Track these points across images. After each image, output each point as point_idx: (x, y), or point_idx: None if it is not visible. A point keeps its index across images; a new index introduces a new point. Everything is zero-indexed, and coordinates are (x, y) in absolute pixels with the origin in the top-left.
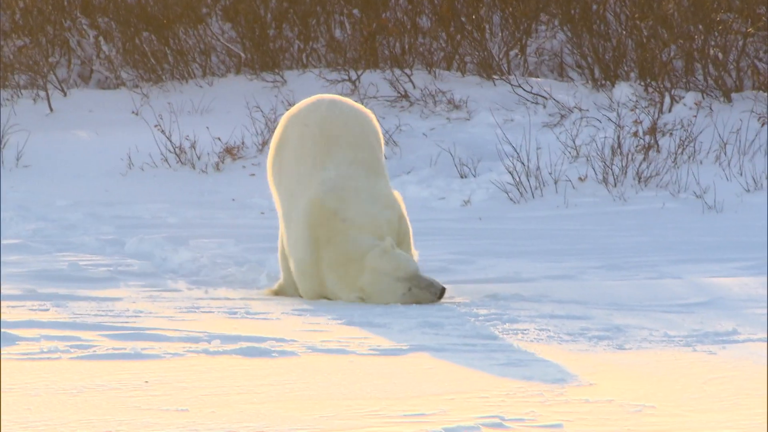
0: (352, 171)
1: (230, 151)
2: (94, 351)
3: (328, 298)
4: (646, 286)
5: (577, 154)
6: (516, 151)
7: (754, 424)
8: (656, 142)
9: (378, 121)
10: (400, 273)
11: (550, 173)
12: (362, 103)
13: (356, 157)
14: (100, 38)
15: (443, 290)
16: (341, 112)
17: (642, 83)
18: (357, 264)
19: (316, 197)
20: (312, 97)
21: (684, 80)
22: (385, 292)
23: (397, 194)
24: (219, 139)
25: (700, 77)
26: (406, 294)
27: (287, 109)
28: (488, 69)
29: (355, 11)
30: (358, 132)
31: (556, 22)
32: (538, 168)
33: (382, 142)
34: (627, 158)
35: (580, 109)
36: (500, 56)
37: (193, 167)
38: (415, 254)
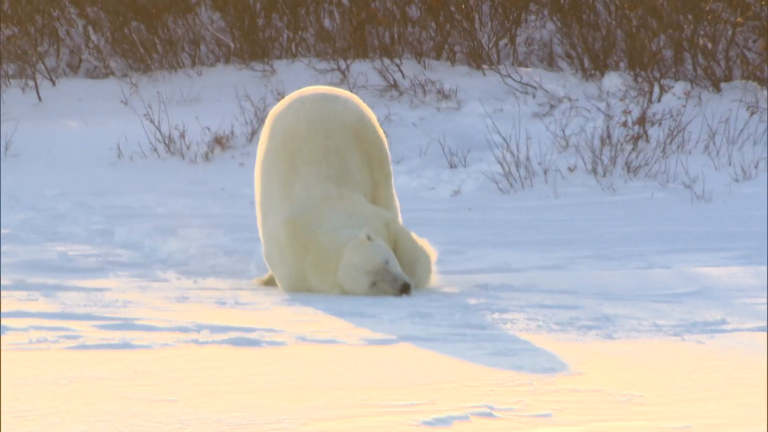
0: (321, 189)
1: (219, 141)
2: (83, 341)
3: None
4: (635, 275)
5: (567, 144)
6: (505, 141)
7: (743, 413)
8: (645, 132)
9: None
10: (367, 265)
11: (540, 163)
12: (352, 92)
13: (322, 173)
14: (89, 28)
15: (406, 285)
16: (308, 121)
17: (631, 73)
18: (335, 261)
19: (289, 218)
20: (294, 93)
21: (673, 70)
22: (354, 284)
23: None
24: (208, 128)
25: (690, 67)
26: (371, 287)
27: (277, 100)
28: (478, 59)
29: (345, 1)
30: (321, 142)
31: (546, 12)
32: (527, 158)
33: (367, 134)
34: (616, 148)
35: (570, 99)
36: (490, 46)
37: (183, 157)
38: (426, 243)
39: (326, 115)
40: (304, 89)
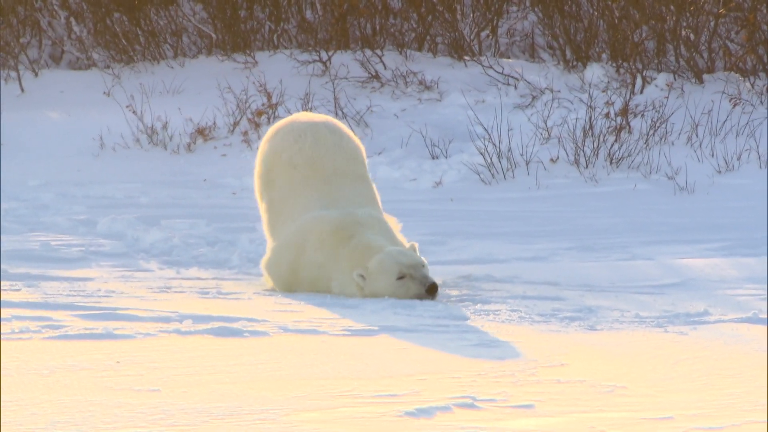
0: (354, 209)
1: (202, 132)
2: (66, 331)
3: None
4: (617, 267)
5: (549, 135)
6: (487, 132)
7: (726, 403)
8: (628, 123)
9: (351, 103)
10: (403, 258)
11: (522, 154)
12: (333, 84)
13: (355, 191)
14: (71, 19)
15: (434, 285)
16: (326, 149)
17: (613, 64)
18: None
19: (337, 215)
20: (288, 120)
21: (656, 61)
22: (381, 273)
23: (389, 218)
24: (190, 119)
25: (672, 58)
26: (398, 280)
27: (258, 91)
28: (459, 50)
29: None
30: (344, 165)
31: (528, 3)
32: (509, 149)
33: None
34: (599, 139)
35: (552, 91)
36: (471, 37)
37: (165, 148)
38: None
39: (342, 140)
40: (301, 116)
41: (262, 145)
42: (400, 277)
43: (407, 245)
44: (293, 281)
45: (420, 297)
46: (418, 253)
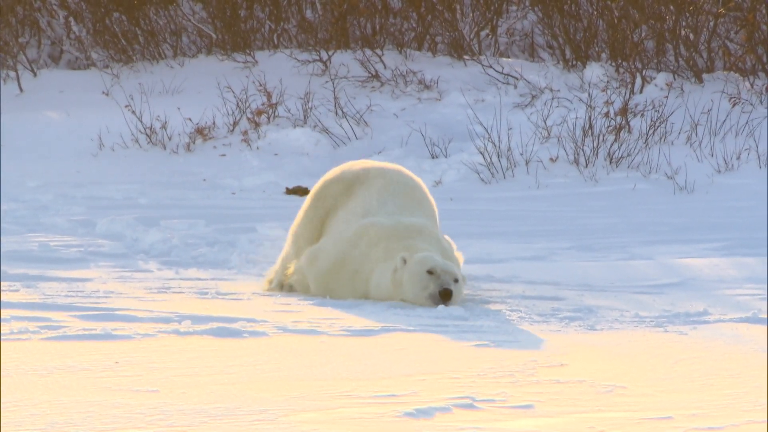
0: (411, 219)
1: (201, 132)
2: (65, 332)
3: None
4: (617, 267)
5: (549, 134)
6: (487, 131)
7: (725, 403)
8: (627, 122)
9: (350, 102)
10: (441, 261)
11: (522, 154)
12: (333, 84)
13: (412, 210)
14: (71, 18)
15: (448, 291)
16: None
17: (613, 64)
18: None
19: (388, 229)
20: (361, 165)
21: (655, 61)
22: (420, 262)
23: (447, 238)
24: (190, 119)
25: (672, 58)
26: (427, 274)
27: (258, 90)
28: (459, 49)
29: None
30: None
31: (527, 3)
32: (509, 148)
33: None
34: (598, 139)
35: (551, 90)
36: (471, 36)
37: (164, 148)
38: None
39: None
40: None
41: (330, 185)
42: (430, 272)
43: (461, 262)
44: (334, 276)
45: (434, 299)
46: (460, 272)
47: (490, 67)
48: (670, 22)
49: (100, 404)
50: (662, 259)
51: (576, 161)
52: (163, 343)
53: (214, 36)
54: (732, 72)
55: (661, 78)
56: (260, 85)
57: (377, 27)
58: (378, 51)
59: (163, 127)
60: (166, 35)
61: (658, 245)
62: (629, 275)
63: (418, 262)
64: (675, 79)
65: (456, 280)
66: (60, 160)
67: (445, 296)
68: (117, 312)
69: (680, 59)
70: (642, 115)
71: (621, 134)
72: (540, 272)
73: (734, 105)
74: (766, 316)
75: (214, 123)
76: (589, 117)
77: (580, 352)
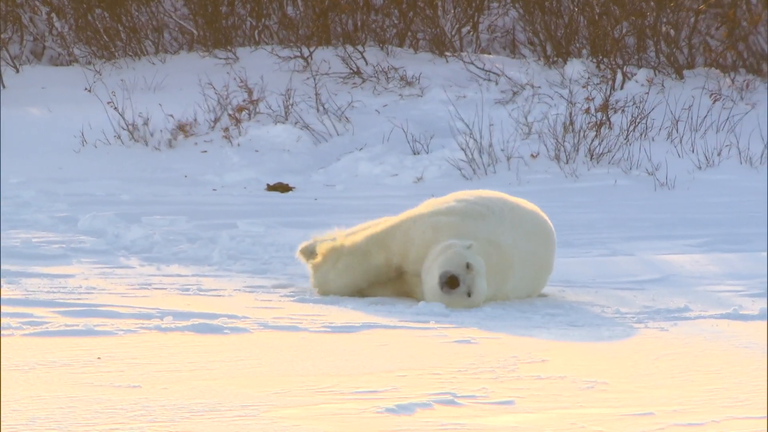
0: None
1: (183, 128)
2: (47, 327)
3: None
4: (598, 263)
5: (530, 130)
6: (468, 127)
7: (706, 399)
8: (608, 119)
9: (332, 99)
10: (463, 243)
11: (503, 150)
12: (314, 80)
13: None
14: (53, 15)
15: (454, 278)
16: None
17: (594, 60)
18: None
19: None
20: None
21: (636, 57)
22: (451, 234)
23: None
24: (171, 116)
25: (652, 54)
26: (444, 247)
27: (239, 87)
28: (441, 46)
29: None
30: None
31: None
32: (490, 145)
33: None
34: (579, 135)
35: (533, 86)
36: (452, 33)
37: (146, 144)
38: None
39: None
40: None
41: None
42: (446, 247)
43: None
44: (394, 241)
45: (441, 279)
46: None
47: (472, 63)
48: (650, 18)
49: (81, 400)
50: (643, 255)
51: (557, 157)
52: (145, 339)
53: (195, 32)
54: (713, 68)
55: (642, 74)
56: (241, 81)
57: (359, 23)
58: (359, 47)
59: (145, 123)
60: (148, 32)
61: (638, 241)
62: (610, 271)
63: (448, 234)
64: (656, 75)
65: (470, 268)
66: (42, 157)
67: (450, 281)
68: (99, 308)
69: (661, 55)
70: (623, 111)
71: (602, 130)
72: None
73: (715, 101)
74: (747, 313)
75: (195, 119)
76: (570, 113)
77: (561, 348)
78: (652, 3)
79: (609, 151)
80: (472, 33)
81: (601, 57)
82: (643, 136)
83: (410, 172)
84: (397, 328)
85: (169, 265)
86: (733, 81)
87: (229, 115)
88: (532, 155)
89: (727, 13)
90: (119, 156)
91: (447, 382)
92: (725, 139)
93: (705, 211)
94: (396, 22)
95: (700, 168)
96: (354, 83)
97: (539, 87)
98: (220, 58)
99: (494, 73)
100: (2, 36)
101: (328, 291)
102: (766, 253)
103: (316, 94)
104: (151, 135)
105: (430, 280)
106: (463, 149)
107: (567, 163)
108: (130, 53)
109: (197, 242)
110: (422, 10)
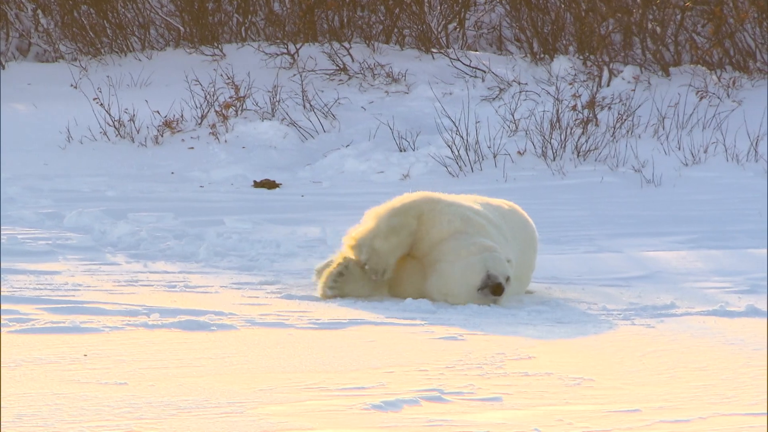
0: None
1: (169, 125)
2: (33, 324)
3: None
4: (584, 260)
5: (516, 127)
6: (455, 124)
7: (692, 396)
8: (595, 116)
9: (318, 95)
10: (496, 252)
11: (489, 147)
12: (300, 77)
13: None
14: (39, 11)
15: (499, 286)
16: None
17: (580, 57)
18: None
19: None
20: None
21: (622, 54)
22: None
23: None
24: (158, 112)
25: (639, 51)
26: (482, 252)
27: (226, 83)
28: (427, 42)
29: None
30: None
31: None
32: (477, 142)
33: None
34: (566, 132)
35: (519, 83)
36: (439, 30)
37: (133, 141)
38: None
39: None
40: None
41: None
42: (489, 249)
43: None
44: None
45: (487, 281)
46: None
47: (458, 60)
48: (637, 15)
49: (68, 397)
50: (630, 252)
51: (543, 154)
52: (132, 335)
53: (181, 29)
54: (699, 65)
55: (629, 71)
56: (228, 78)
57: (345, 20)
58: (346, 44)
59: (132, 120)
60: (134, 28)
61: (625, 238)
62: (596, 268)
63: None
64: (642, 72)
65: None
66: (28, 153)
67: (494, 289)
68: (85, 305)
69: (647, 52)
70: (609, 108)
71: (588, 127)
72: None
73: (701, 98)
74: (734, 309)
75: (182, 116)
76: (557, 110)
77: (548, 345)
78: (638, 0)
79: (596, 148)
80: (458, 29)
81: (587, 54)
82: (629, 133)
83: (396, 169)
84: (384, 324)
85: (156, 262)
86: (719, 78)
87: (216, 111)
88: (518, 152)
89: (713, 10)
90: (105, 152)
91: (434, 379)
92: (711, 136)
93: (691, 208)
94: (382, 18)
95: (686, 165)
96: (340, 80)
97: (526, 84)
98: (207, 55)
99: (481, 69)
100: None
101: (377, 262)
102: (752, 251)
103: (303, 91)
104: (138, 131)
105: (470, 275)
106: (449, 146)
107: (554, 160)
108: (116, 50)
109: (184, 239)
110: (408, 6)
